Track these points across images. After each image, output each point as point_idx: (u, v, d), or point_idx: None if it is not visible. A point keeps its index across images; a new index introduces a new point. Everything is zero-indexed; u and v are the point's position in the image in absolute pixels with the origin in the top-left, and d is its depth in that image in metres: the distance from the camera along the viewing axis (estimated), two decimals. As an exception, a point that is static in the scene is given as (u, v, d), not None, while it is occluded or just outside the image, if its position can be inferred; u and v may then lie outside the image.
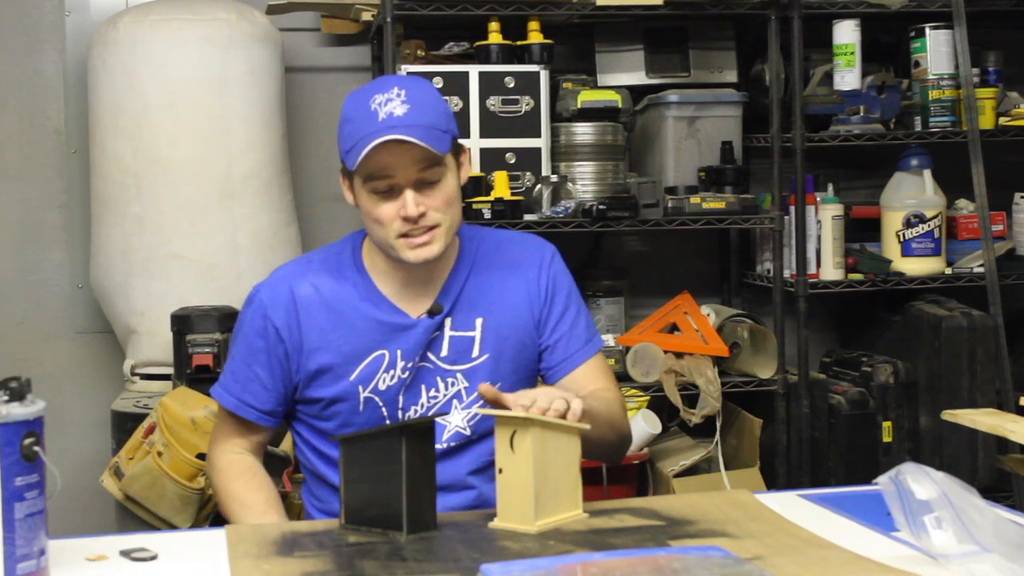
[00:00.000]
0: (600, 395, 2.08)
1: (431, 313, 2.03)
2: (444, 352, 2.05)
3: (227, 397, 2.08)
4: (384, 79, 2.02)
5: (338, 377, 2.03)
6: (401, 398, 2.03)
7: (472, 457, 2.06)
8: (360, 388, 2.03)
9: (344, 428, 2.03)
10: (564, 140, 3.34)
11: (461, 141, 2.07)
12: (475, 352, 2.05)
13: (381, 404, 2.03)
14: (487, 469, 2.02)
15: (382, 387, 2.03)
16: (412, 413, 2.03)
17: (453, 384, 2.05)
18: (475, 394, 2.05)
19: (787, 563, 1.57)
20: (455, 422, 2.05)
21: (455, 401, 2.05)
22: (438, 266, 2.05)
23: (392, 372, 2.03)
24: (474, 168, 3.20)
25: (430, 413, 2.04)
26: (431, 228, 1.97)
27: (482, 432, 2.04)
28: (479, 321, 2.06)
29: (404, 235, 1.97)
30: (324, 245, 2.18)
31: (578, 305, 2.15)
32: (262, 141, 3.32)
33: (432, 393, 2.05)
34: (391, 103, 1.94)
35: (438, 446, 2.03)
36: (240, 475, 2.09)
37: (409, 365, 2.03)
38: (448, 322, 2.05)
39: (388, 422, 2.03)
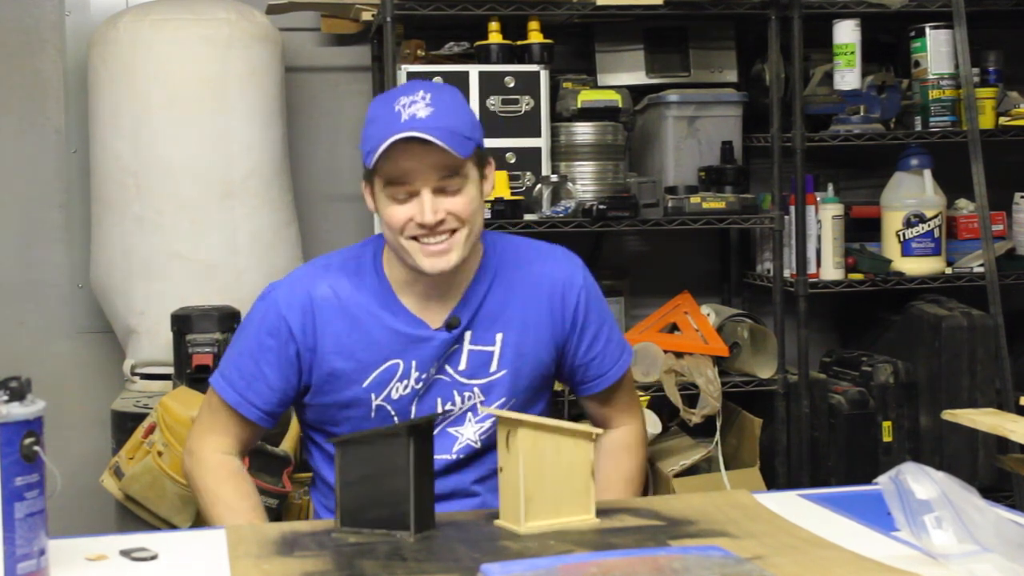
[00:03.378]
0: (622, 475, 2.14)
1: (449, 327, 2.02)
2: (462, 366, 2.03)
3: (229, 392, 2.05)
4: (412, 83, 2.00)
5: (351, 383, 2.02)
6: (414, 408, 2.03)
7: (478, 467, 2.06)
8: (372, 396, 2.02)
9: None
10: (564, 140, 3.34)
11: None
12: (493, 367, 2.04)
13: (393, 413, 2.02)
14: (491, 477, 2.02)
15: (395, 396, 2.02)
16: None
17: (470, 398, 2.04)
18: (490, 408, 2.04)
19: (787, 563, 1.57)
20: (467, 435, 2.05)
21: (469, 414, 2.05)
22: (458, 275, 2.02)
23: (406, 382, 2.02)
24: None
25: (437, 412, 2.03)
26: (452, 233, 1.95)
27: (491, 444, 2.03)
28: (499, 336, 2.04)
29: (417, 238, 1.94)
30: (346, 247, 2.14)
31: (609, 322, 2.15)
32: (262, 141, 3.32)
33: (448, 406, 2.04)
34: (415, 105, 1.92)
35: (448, 457, 2.03)
36: (229, 478, 2.06)
37: (423, 376, 2.02)
38: (468, 336, 2.03)
39: None
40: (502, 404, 2.04)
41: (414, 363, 2.01)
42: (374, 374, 2.01)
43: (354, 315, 2.02)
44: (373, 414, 2.02)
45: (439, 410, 2.03)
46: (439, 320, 2.02)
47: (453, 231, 1.96)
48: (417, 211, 1.93)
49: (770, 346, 3.39)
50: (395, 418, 2.02)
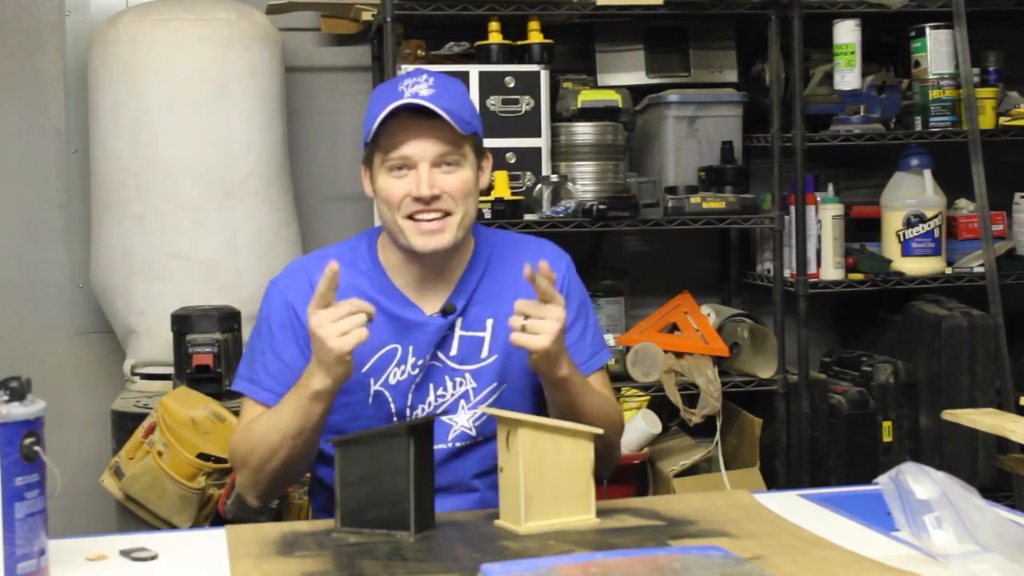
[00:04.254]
0: (598, 406, 2.08)
1: (444, 312, 2.03)
2: (454, 351, 2.04)
3: (262, 392, 2.02)
4: (416, 70, 2.04)
5: None
6: (410, 395, 2.03)
7: (477, 459, 2.06)
8: (371, 381, 2.03)
9: (352, 421, 2.02)
10: (564, 140, 3.34)
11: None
12: (484, 353, 2.05)
13: (390, 399, 2.03)
14: (491, 473, 2.02)
15: (392, 381, 2.03)
16: (420, 411, 2.03)
17: (461, 384, 2.05)
18: (482, 394, 2.05)
19: (787, 563, 1.57)
20: (461, 422, 2.05)
21: (462, 401, 2.05)
22: (452, 262, 2.05)
23: (403, 367, 2.03)
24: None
25: (436, 412, 2.03)
26: (444, 216, 1.97)
27: (488, 434, 2.03)
28: (490, 322, 2.06)
29: (413, 217, 1.96)
30: (339, 241, 2.17)
31: (587, 319, 2.14)
32: (262, 141, 3.32)
33: (440, 392, 2.04)
34: (418, 85, 1.96)
35: (444, 446, 2.04)
36: (257, 419, 2.01)
37: (420, 362, 2.03)
38: (459, 321, 2.05)
39: (396, 418, 2.03)
40: (493, 390, 2.05)
41: (411, 348, 2.02)
42: (373, 359, 2.02)
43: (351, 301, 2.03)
44: (371, 399, 2.03)
45: (431, 396, 2.04)
46: (434, 306, 2.04)
47: (446, 214, 1.97)
48: (414, 185, 1.95)
49: (770, 346, 3.39)
50: (392, 404, 2.03)
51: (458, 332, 2.05)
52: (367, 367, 2.02)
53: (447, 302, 2.04)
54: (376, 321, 2.02)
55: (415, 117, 1.94)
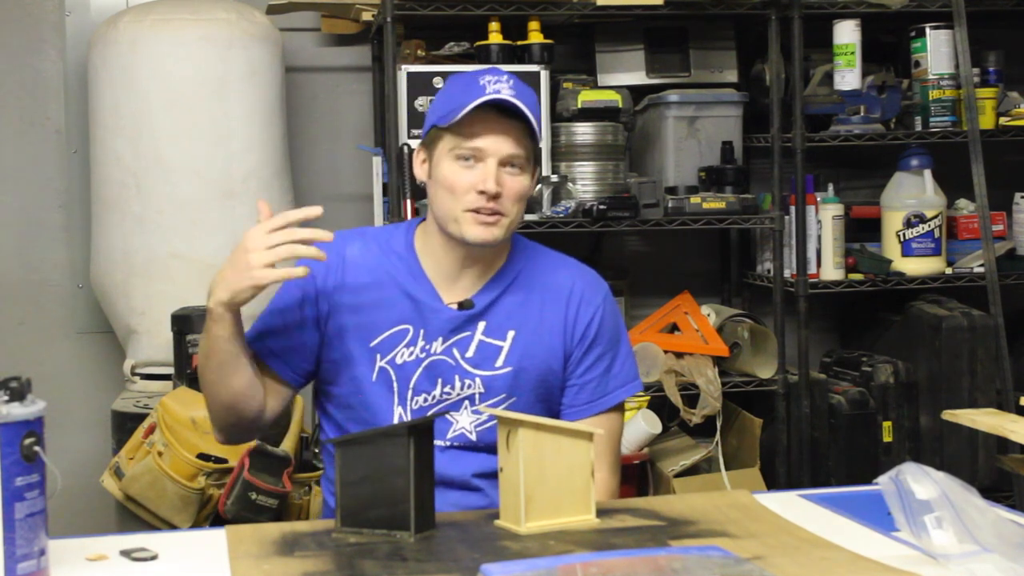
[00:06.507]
0: None
1: (461, 306, 2.04)
2: (470, 353, 2.05)
3: (249, 333, 2.05)
4: (495, 68, 2.06)
5: (360, 339, 2.04)
6: (415, 380, 2.03)
7: (478, 462, 2.06)
8: (378, 356, 2.04)
9: (356, 395, 2.04)
10: (564, 140, 3.34)
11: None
12: (499, 362, 2.05)
13: (394, 379, 2.03)
14: (493, 476, 2.01)
15: (399, 361, 2.04)
16: (421, 399, 2.04)
17: (470, 386, 2.05)
18: (489, 403, 2.05)
19: (787, 563, 1.57)
20: (462, 423, 2.05)
21: (466, 402, 2.05)
22: (485, 260, 2.07)
23: (412, 349, 2.04)
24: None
25: (436, 408, 2.04)
26: (499, 215, 2.00)
27: (489, 443, 2.03)
28: (511, 333, 2.06)
29: (474, 211, 1.99)
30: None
31: (621, 353, 2.13)
32: (262, 141, 3.32)
33: (447, 389, 2.05)
34: (500, 83, 1.99)
35: (441, 443, 2.04)
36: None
37: (428, 347, 2.03)
38: (481, 326, 2.05)
39: (397, 398, 2.03)
40: (500, 401, 2.05)
41: (422, 332, 2.04)
42: (383, 335, 2.03)
43: (377, 277, 2.06)
44: (375, 376, 2.03)
45: (437, 390, 2.04)
46: (455, 299, 2.06)
47: (502, 214, 2.00)
48: (480, 179, 1.98)
49: (770, 346, 3.39)
50: (395, 383, 2.03)
51: (478, 336, 2.05)
52: (376, 342, 2.03)
53: (467, 299, 2.05)
54: (396, 300, 2.04)
55: (494, 113, 1.98)
